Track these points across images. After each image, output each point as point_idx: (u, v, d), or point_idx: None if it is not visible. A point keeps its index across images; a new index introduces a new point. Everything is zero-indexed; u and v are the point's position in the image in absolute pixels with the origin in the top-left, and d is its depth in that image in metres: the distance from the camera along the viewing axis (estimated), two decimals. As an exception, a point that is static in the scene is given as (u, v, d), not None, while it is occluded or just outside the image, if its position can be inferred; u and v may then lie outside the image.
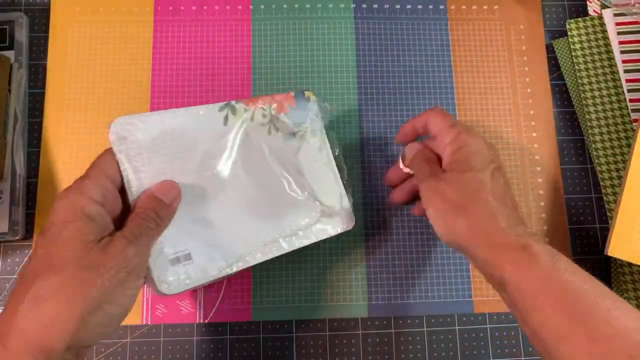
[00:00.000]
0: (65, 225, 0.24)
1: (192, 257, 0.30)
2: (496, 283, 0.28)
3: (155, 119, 0.31)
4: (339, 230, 0.36)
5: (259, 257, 0.33)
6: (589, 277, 0.25)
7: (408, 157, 0.35)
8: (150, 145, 0.31)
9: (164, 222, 0.27)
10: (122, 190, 0.29)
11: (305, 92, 0.38)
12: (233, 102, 0.35)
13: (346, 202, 0.37)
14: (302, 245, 0.35)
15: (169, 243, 0.29)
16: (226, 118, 0.34)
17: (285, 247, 0.34)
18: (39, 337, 0.20)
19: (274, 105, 0.36)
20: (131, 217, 0.26)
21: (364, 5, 0.47)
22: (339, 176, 0.38)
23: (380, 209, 0.43)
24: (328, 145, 0.38)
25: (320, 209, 0.36)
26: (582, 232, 0.44)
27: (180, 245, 0.30)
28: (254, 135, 0.35)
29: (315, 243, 0.36)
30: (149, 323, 0.41)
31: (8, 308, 0.21)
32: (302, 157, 0.37)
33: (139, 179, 0.29)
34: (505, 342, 0.42)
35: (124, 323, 0.40)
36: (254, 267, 0.42)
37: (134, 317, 0.41)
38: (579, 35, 0.46)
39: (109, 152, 0.28)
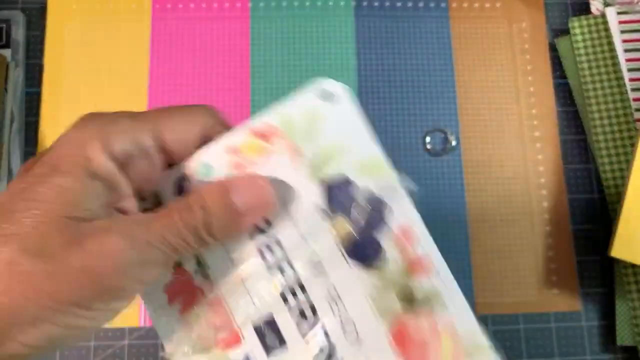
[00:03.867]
0: (53, 174, 0.16)
1: None
2: None
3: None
4: None
5: None
6: None
7: None
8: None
9: (213, 241, 0.17)
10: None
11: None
12: None
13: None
14: None
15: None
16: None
17: None
18: None
19: None
20: (169, 208, 0.17)
21: (365, 3, 0.47)
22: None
23: (381, 210, 0.43)
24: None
25: None
26: (586, 233, 0.44)
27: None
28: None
29: None
30: (146, 325, 0.40)
31: None
32: None
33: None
34: (507, 344, 0.41)
35: (121, 325, 0.40)
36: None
37: (132, 319, 0.40)
38: (582, 33, 0.45)
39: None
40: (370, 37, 0.46)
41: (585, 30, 0.45)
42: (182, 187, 0.18)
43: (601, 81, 0.44)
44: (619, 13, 0.45)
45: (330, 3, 0.47)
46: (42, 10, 0.46)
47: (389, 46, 0.46)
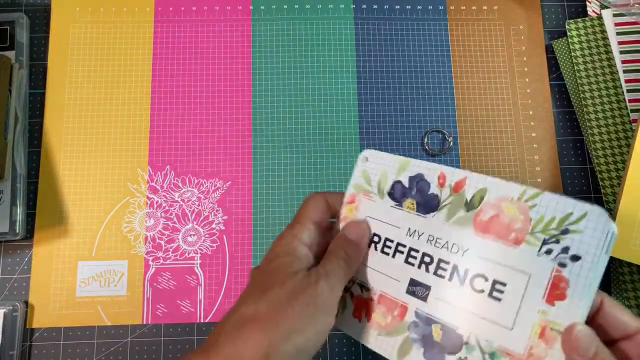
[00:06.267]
0: (277, 259, 0.27)
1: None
2: None
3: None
4: None
5: None
6: None
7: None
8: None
9: (352, 260, 0.28)
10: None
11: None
12: None
13: None
14: None
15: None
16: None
17: None
18: (234, 355, 0.23)
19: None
20: (325, 256, 0.28)
21: (364, 6, 0.48)
22: None
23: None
24: None
25: None
26: (582, 232, 0.44)
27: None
28: None
29: None
30: (149, 323, 0.41)
31: (221, 322, 0.25)
32: None
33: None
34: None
35: (125, 323, 0.41)
36: (254, 267, 0.42)
37: (135, 317, 0.41)
38: (579, 35, 0.46)
39: (314, 196, 0.30)
40: (369, 39, 0.47)
41: (582, 32, 0.46)
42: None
43: (597, 82, 0.45)
44: (615, 15, 0.45)
45: (330, 6, 0.47)
46: (46, 13, 0.46)
47: (387, 49, 0.47)
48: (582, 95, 0.45)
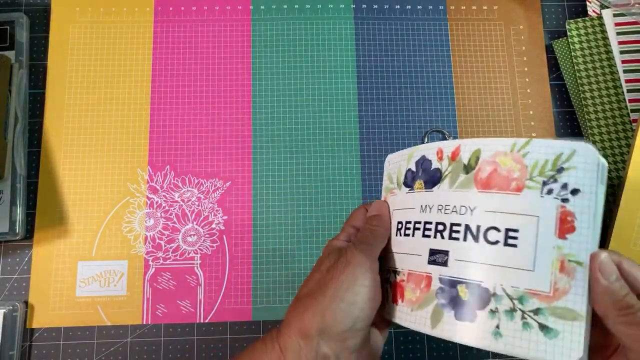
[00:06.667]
0: (325, 254, 0.33)
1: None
2: None
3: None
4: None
5: None
6: None
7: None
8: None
9: (377, 228, 0.32)
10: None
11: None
12: None
13: None
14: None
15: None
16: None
17: None
18: (298, 324, 0.28)
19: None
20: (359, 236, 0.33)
21: (364, 6, 0.47)
22: None
23: (380, 209, 0.43)
24: None
25: None
26: (582, 232, 0.44)
27: None
28: None
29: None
30: (149, 323, 0.41)
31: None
32: None
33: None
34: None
35: (125, 323, 0.41)
36: (254, 267, 0.42)
37: (135, 317, 0.41)
38: (579, 35, 0.46)
39: (356, 209, 0.35)
40: (369, 39, 0.47)
41: (582, 32, 0.46)
42: None
43: (597, 82, 0.45)
44: (615, 15, 0.45)
45: (330, 6, 0.47)
46: (46, 12, 0.46)
47: (387, 48, 0.47)
48: (582, 95, 0.45)
